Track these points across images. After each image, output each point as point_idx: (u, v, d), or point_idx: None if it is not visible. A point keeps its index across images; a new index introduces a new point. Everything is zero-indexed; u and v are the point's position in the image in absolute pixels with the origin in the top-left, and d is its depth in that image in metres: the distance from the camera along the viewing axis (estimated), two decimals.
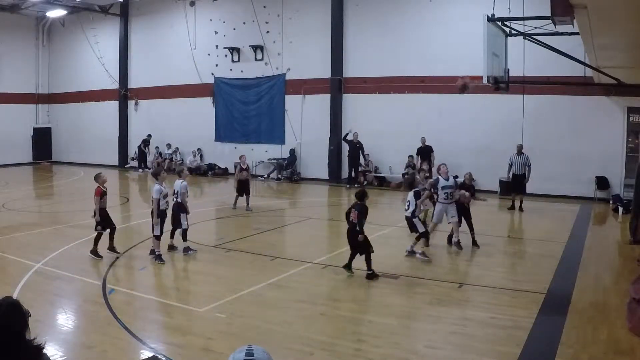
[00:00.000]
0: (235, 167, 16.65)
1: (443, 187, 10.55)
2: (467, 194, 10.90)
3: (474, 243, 10.77)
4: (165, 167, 24.74)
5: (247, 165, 15.52)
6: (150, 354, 5.80)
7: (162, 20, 25.52)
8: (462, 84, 11.04)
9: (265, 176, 22.57)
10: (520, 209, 15.13)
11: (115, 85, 27.03)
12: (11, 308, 2.52)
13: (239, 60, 23.68)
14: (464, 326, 6.64)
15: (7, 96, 27.28)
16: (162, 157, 25.37)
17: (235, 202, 15.21)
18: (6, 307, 2.51)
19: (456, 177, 11.41)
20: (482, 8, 11.34)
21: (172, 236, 10.41)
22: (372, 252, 8.62)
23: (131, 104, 27.08)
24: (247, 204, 15.06)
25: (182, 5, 24.47)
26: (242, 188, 15.03)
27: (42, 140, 29.35)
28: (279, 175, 22.39)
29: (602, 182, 17.07)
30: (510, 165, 15.18)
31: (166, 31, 25.31)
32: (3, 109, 27.05)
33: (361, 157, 20.26)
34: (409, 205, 10.09)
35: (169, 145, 25.44)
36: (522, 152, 15.05)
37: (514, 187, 15.34)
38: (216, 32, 23.96)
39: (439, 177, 10.72)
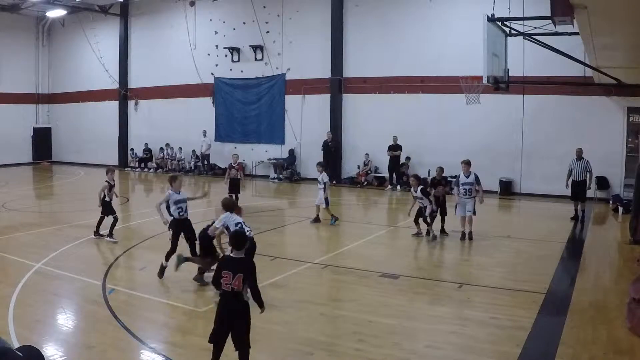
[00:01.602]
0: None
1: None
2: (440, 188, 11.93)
3: (442, 231, 11.81)
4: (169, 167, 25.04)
5: (239, 164, 15.38)
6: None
7: (162, 20, 25.51)
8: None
9: (276, 176, 22.49)
10: (582, 218, 14.07)
11: (115, 85, 27.03)
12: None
13: (239, 60, 23.68)
14: (464, 326, 6.64)
15: (7, 96, 27.27)
16: (165, 157, 25.42)
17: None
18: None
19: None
20: (482, 8, 11.33)
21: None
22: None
23: (131, 104, 27.08)
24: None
25: (182, 5, 24.45)
26: (232, 187, 14.98)
27: (42, 140, 29.34)
28: (280, 176, 22.39)
29: (602, 182, 17.07)
30: (570, 172, 14.05)
31: (166, 31, 25.30)
32: (3, 109, 27.05)
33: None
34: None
35: (167, 145, 25.47)
36: (582, 157, 14.01)
37: (576, 194, 14.05)
38: (216, 32, 23.96)
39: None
